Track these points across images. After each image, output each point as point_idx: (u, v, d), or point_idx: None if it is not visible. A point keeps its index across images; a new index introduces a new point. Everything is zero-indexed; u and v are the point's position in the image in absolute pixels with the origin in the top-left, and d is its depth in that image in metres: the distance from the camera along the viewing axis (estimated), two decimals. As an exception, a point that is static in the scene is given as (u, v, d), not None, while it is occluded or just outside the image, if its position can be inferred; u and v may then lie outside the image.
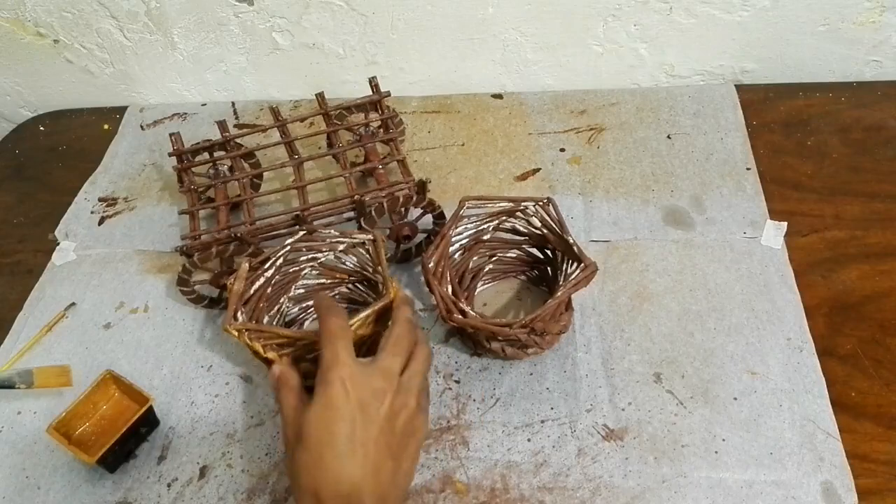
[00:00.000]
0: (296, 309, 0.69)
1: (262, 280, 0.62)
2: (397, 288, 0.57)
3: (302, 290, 0.68)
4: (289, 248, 0.64)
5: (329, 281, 0.68)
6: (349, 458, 0.42)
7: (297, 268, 0.67)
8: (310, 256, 0.66)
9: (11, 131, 0.98)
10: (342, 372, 0.44)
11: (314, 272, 0.68)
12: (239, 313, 0.57)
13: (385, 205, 0.66)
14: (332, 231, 0.64)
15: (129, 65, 0.93)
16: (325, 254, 0.66)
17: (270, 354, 0.55)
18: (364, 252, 0.65)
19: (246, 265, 0.60)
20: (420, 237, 0.71)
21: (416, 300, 0.70)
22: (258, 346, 0.54)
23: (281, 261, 0.64)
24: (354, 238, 0.64)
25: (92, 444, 0.59)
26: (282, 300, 0.67)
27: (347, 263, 0.67)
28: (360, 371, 0.45)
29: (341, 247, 0.65)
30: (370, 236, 0.63)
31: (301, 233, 0.64)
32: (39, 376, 0.63)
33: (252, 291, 0.61)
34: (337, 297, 0.69)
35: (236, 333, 0.55)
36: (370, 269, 0.65)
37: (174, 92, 0.96)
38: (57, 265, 0.78)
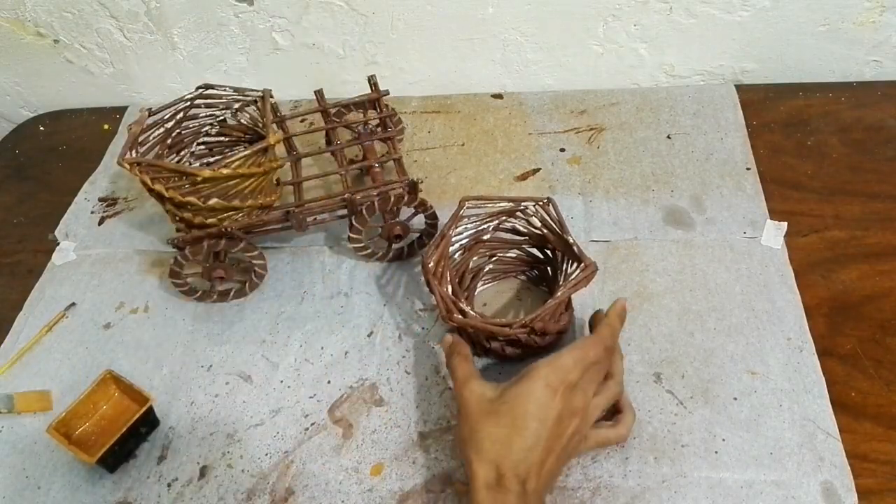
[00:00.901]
0: (197, 164, 0.74)
1: (161, 129, 0.70)
2: (279, 135, 0.65)
3: (203, 147, 0.75)
4: (188, 103, 0.71)
5: (228, 139, 0.76)
6: (530, 452, 0.49)
7: (197, 123, 0.74)
8: (208, 113, 0.74)
9: (11, 131, 0.98)
10: (552, 381, 0.50)
11: (213, 130, 0.75)
12: (134, 152, 0.65)
13: (376, 204, 0.66)
14: (228, 88, 0.72)
15: (129, 65, 0.93)
16: (223, 112, 0.74)
17: (157, 187, 0.61)
18: (256, 110, 0.73)
19: (146, 113, 0.68)
20: (412, 237, 0.72)
21: (416, 300, 0.70)
22: (147, 179, 0.61)
23: (181, 115, 0.72)
24: (247, 96, 0.72)
25: (92, 444, 0.59)
26: (183, 153, 0.74)
27: (242, 121, 0.75)
28: (567, 390, 0.51)
29: (237, 105, 0.73)
30: (259, 93, 0.71)
31: (198, 90, 0.72)
32: (20, 401, 0.64)
33: (150, 136, 0.69)
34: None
35: (129, 167, 0.61)
36: (261, 126, 0.71)
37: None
38: (57, 265, 0.78)
